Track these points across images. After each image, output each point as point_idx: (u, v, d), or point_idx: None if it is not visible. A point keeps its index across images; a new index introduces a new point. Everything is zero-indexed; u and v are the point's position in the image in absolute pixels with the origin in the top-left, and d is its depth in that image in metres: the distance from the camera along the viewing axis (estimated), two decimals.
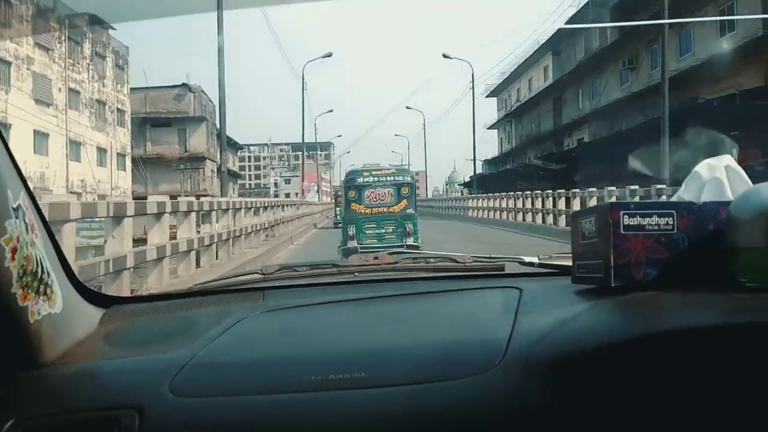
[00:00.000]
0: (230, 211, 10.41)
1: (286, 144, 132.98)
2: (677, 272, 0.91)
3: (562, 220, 16.88)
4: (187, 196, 15.50)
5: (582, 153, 29.28)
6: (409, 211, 9.29)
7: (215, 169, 45.85)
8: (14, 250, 0.81)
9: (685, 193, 1.11)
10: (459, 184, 58.07)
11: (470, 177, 51.62)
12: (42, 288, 0.87)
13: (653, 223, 0.92)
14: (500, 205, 23.99)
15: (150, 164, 40.53)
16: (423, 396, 0.79)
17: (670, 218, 0.92)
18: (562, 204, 17.56)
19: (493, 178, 38.96)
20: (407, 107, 57.47)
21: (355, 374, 0.83)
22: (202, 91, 43.75)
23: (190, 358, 0.88)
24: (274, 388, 0.83)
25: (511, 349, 0.83)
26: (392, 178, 9.33)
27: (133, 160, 38.26)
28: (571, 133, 35.03)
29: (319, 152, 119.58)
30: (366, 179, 9.34)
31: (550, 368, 0.78)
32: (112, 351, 0.98)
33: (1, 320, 0.82)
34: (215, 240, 8.95)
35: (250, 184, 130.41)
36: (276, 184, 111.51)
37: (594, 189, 15.87)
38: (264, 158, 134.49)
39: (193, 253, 7.92)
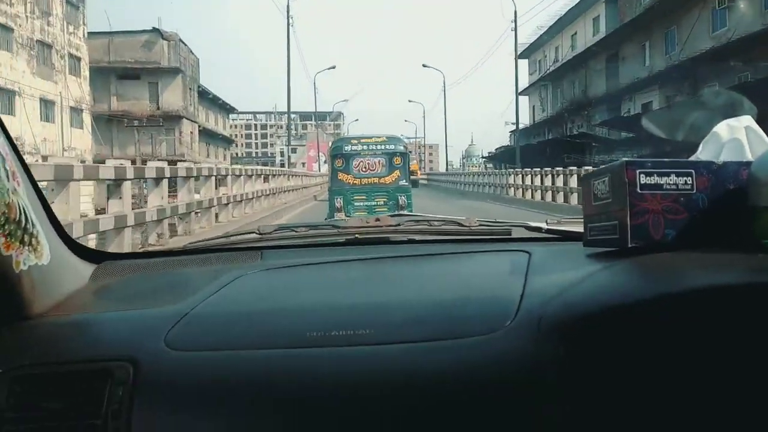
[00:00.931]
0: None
1: (294, 113, 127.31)
2: (696, 233, 0.88)
3: None
4: (158, 160, 11.07)
5: (655, 119, 22.56)
6: (402, 182, 8.83)
7: (195, 131, 39.16)
8: None
9: (702, 153, 1.07)
10: (482, 158, 51.42)
11: (495, 149, 45.22)
12: (27, 238, 0.83)
13: (671, 182, 0.89)
14: (565, 184, 16.94)
15: (116, 123, 33.81)
16: (432, 353, 0.77)
17: (689, 177, 0.89)
18: None
19: (530, 151, 32.05)
20: (424, 65, 51.77)
21: (359, 331, 0.81)
22: (181, 41, 36.69)
23: (186, 312, 0.86)
24: (273, 343, 0.81)
25: (523, 309, 0.81)
26: (383, 146, 8.76)
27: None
28: (632, 96, 28.01)
29: (328, 122, 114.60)
30: (354, 147, 8.79)
31: (564, 328, 0.76)
32: (105, 305, 0.96)
33: None
34: None
35: (256, 153, 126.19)
36: (282, 153, 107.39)
37: None
38: (271, 126, 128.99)
39: None
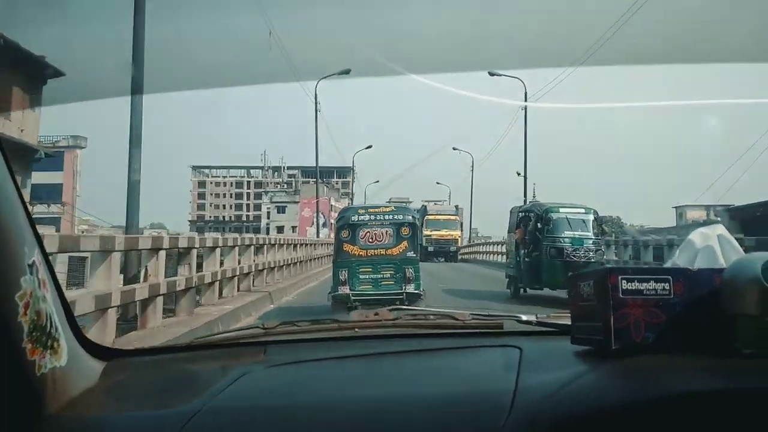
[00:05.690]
0: None
1: (292, 168, 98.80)
2: (674, 336, 0.94)
3: None
4: None
5: None
6: (409, 254, 8.47)
7: None
8: (27, 306, 0.84)
9: (679, 259, 1.13)
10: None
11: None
12: (49, 342, 0.90)
13: (650, 288, 0.95)
14: None
15: None
16: None
17: (667, 284, 0.95)
18: None
19: None
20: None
21: None
22: None
23: (193, 414, 0.88)
24: None
25: (516, 409, 0.85)
26: (391, 216, 8.50)
27: None
28: None
29: (335, 179, 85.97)
30: (361, 217, 8.50)
31: (555, 430, 0.80)
32: (116, 404, 0.99)
33: (9, 373, 0.83)
34: None
35: (247, 216, 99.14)
36: (268, 215, 77.43)
37: None
38: (266, 184, 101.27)
39: None
